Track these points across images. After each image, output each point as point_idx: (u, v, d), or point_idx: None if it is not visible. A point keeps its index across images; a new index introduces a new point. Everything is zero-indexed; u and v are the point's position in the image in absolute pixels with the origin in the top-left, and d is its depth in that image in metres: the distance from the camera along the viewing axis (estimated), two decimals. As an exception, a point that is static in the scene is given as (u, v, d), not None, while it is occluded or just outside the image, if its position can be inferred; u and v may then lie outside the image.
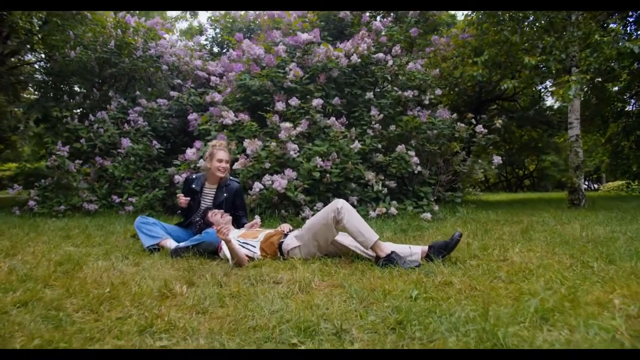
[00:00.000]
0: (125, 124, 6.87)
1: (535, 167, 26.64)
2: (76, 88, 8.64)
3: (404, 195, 5.71)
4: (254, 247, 2.86)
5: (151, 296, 1.94)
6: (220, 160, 3.37)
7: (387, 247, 2.63)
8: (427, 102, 6.17)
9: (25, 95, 11.89)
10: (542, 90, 15.60)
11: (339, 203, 2.66)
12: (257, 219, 3.31)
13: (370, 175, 4.97)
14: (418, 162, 5.34)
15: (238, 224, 3.46)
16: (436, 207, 5.31)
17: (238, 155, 4.58)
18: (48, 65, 9.79)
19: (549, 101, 17.66)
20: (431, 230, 4.16)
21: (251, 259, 2.81)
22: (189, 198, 3.31)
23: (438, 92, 6.27)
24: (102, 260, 2.70)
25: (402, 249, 2.72)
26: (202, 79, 7.70)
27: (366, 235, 2.60)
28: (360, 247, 2.76)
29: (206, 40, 10.75)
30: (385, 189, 5.16)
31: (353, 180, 5.05)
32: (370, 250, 2.67)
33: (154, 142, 6.56)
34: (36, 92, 10.22)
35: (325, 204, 4.73)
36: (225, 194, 3.40)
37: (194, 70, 7.91)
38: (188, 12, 20.64)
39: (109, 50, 7.58)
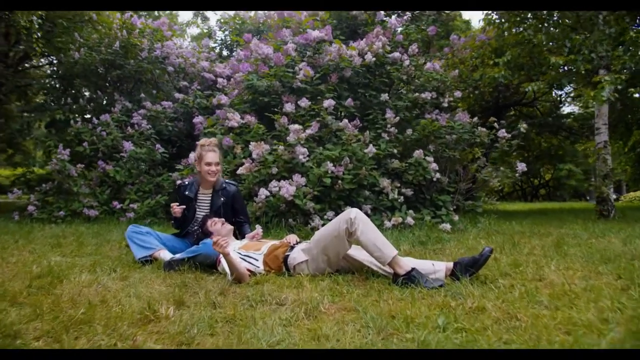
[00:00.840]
0: (129, 127, 6.68)
1: (552, 176, 25.98)
2: (86, 93, 8.52)
3: (421, 204, 5.40)
4: (257, 260, 2.58)
5: (131, 319, 1.67)
6: (209, 164, 3.08)
7: (407, 264, 2.33)
8: (445, 104, 5.86)
9: (38, 100, 11.85)
10: (563, 95, 15.15)
11: (352, 213, 2.37)
12: (258, 228, 3.02)
13: (385, 183, 4.66)
14: (437, 168, 5.02)
15: (240, 232, 3.19)
16: (456, 217, 4.99)
17: (244, 160, 4.32)
18: (54, 69, 9.75)
19: (568, 108, 17.16)
20: (452, 242, 3.84)
21: (253, 273, 2.53)
22: (184, 206, 3.03)
23: (458, 94, 5.96)
24: (86, 273, 2.45)
25: (423, 265, 2.42)
26: (209, 81, 7.50)
27: (383, 250, 2.31)
28: (376, 263, 2.46)
29: (215, 43, 10.61)
30: (402, 197, 4.86)
31: (367, 187, 4.75)
32: (387, 267, 2.37)
33: (157, 145, 6.35)
34: (49, 96, 10.17)
35: (337, 213, 4.43)
36: (222, 199, 3.12)
37: (200, 72, 7.72)
38: (199, 18, 20.69)
39: (114, 51, 7.43)
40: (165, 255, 2.77)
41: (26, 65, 11.19)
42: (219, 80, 6.76)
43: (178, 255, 2.78)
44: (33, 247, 3.44)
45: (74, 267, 2.64)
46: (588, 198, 25.93)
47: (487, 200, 7.35)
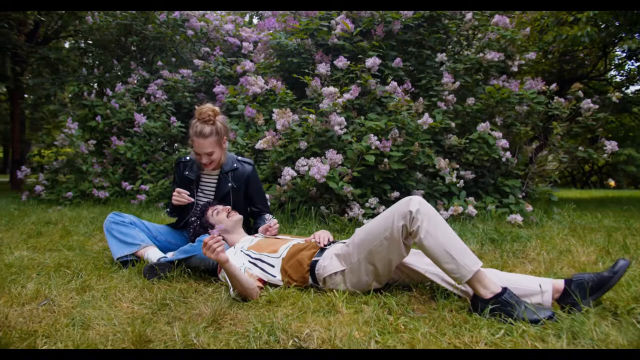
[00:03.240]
0: (143, 99, 6.13)
1: (606, 162, 24.00)
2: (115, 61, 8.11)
3: (482, 190, 4.55)
4: (272, 267, 1.89)
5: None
6: (198, 155, 2.34)
7: (494, 281, 1.58)
8: (515, 69, 4.91)
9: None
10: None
11: (412, 203, 1.62)
12: (271, 219, 2.26)
13: (442, 163, 3.85)
14: (507, 145, 4.15)
15: (256, 225, 2.50)
16: (530, 207, 4.12)
17: (266, 132, 3.62)
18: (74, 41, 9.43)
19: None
20: (533, 241, 3.02)
21: (265, 285, 1.84)
22: (191, 199, 2.31)
23: (531, 55, 4.98)
24: (37, 280, 1.84)
25: (518, 282, 1.68)
26: (233, 46, 6.82)
27: (460, 261, 1.55)
28: (445, 277, 1.72)
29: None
30: (461, 181, 4.03)
31: (418, 168, 3.96)
32: (463, 284, 1.62)
33: (173, 118, 5.76)
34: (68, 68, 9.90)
35: (381, 200, 3.66)
36: (231, 184, 2.42)
37: (224, 37, 7.04)
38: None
39: (131, 15, 6.87)
40: (152, 254, 2.12)
41: (61, 38, 10.99)
42: (245, 44, 6.07)
43: (169, 255, 2.13)
44: (7, 235, 2.91)
45: (31, 268, 2.05)
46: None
47: (540, 186, 6.34)
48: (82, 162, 5.70)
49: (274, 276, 1.87)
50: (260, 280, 1.85)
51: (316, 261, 1.82)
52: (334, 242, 1.96)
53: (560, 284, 1.64)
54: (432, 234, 1.58)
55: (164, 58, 7.19)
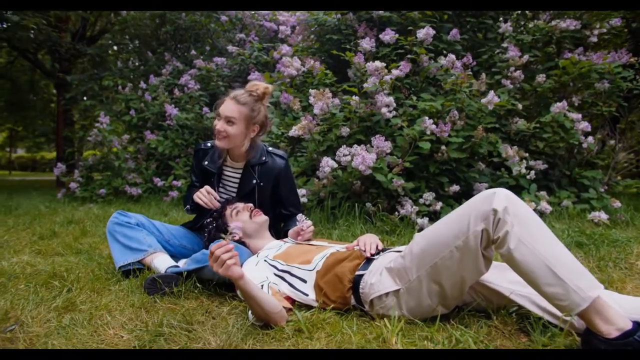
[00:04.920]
0: (176, 90, 5.93)
1: None
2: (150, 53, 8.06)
3: (555, 183, 3.95)
4: (304, 282, 1.49)
5: None
6: (218, 117, 1.97)
7: (619, 312, 1.10)
8: (594, 39, 4.24)
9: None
10: None
11: (498, 198, 1.18)
12: (304, 220, 1.80)
13: (510, 151, 3.30)
14: (589, 129, 3.53)
15: (286, 227, 2.11)
16: (617, 203, 3.49)
17: (302, 118, 3.22)
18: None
19: None
20: (635, 246, 2.44)
21: (294, 304, 1.45)
22: (218, 205, 1.91)
23: (616, 22, 4.28)
24: (15, 295, 1.53)
25: None
26: (270, 32, 6.49)
27: (571, 284, 1.09)
28: (536, 298, 1.26)
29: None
30: (531, 172, 3.47)
31: (480, 157, 3.43)
32: (572, 316, 1.16)
33: (205, 109, 5.51)
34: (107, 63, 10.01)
35: (439, 196, 3.16)
36: (256, 180, 2.04)
37: (260, 22, 6.74)
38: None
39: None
40: (160, 262, 1.78)
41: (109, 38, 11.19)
42: (282, 28, 5.73)
43: (181, 264, 1.79)
44: (20, 236, 2.69)
45: (22, 277, 1.77)
46: None
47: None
48: (115, 158, 5.58)
49: (306, 294, 1.47)
50: (288, 298, 1.46)
51: (361, 276, 1.40)
52: (383, 250, 1.53)
53: None
54: (528, 244, 1.12)
55: (199, 48, 6.99)
